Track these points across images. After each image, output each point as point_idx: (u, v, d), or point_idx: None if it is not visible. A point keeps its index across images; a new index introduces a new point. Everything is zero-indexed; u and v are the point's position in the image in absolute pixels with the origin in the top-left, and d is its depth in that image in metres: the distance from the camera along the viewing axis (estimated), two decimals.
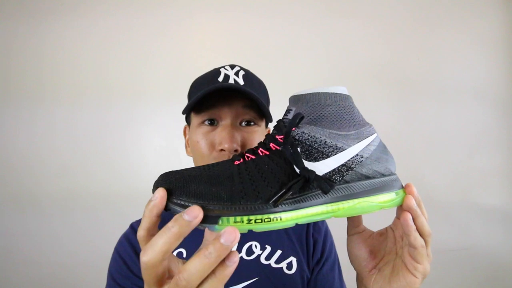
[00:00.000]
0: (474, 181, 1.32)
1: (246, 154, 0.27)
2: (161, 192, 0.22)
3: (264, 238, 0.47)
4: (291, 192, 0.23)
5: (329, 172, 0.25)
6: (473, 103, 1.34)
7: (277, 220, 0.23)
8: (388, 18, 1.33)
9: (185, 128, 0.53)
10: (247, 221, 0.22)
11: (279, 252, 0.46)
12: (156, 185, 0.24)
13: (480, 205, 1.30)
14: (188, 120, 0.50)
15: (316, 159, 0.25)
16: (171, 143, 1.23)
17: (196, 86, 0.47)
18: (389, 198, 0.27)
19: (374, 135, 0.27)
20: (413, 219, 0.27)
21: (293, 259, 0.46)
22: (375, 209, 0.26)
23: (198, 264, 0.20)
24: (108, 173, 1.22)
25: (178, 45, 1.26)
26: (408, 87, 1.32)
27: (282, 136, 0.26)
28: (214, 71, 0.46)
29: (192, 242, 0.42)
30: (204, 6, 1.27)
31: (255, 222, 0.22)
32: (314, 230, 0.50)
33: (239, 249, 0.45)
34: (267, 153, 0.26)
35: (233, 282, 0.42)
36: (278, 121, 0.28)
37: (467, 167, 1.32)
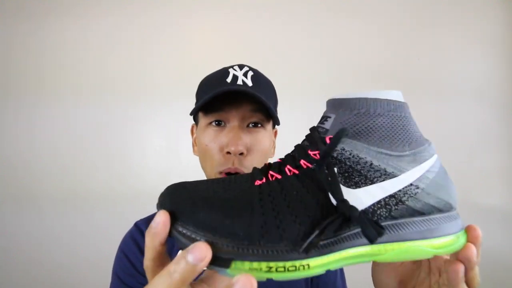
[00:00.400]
0: (474, 181, 1.30)
1: (270, 172, 0.21)
2: (163, 218, 0.18)
3: None
4: (324, 234, 0.17)
5: (373, 204, 0.19)
6: (473, 103, 1.33)
7: (303, 268, 0.18)
8: (388, 18, 1.33)
9: (192, 127, 0.52)
10: (266, 269, 0.17)
11: None
12: (161, 202, 0.19)
13: (480, 205, 1.28)
14: (196, 119, 0.49)
15: (356, 185, 0.19)
16: (171, 143, 1.24)
17: (204, 86, 0.47)
18: (446, 242, 0.20)
19: (434, 157, 0.21)
20: (466, 271, 0.21)
21: None
22: (428, 255, 0.20)
23: None
24: (108, 173, 1.22)
25: (179, 45, 1.26)
26: (408, 87, 1.30)
27: (315, 152, 0.20)
28: (223, 71, 0.45)
29: None
30: (205, 5, 1.28)
31: (276, 270, 0.17)
32: None
33: None
34: (296, 172, 0.20)
35: None
36: (312, 130, 0.22)
37: (467, 167, 1.30)
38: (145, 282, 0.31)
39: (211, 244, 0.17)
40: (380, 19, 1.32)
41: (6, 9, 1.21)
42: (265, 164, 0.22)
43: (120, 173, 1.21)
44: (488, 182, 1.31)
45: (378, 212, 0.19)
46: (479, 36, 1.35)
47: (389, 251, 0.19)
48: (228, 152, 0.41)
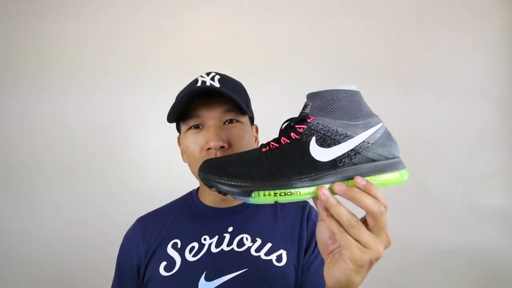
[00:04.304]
0: (475, 181, 1.31)
1: (271, 143, 0.33)
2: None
3: (255, 231, 0.50)
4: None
5: (340, 155, 0.30)
6: (474, 103, 1.33)
7: (297, 193, 0.29)
8: (388, 18, 1.34)
9: (178, 137, 0.56)
10: (273, 194, 0.29)
11: (269, 245, 0.48)
12: (202, 169, 0.31)
13: (481, 206, 1.28)
14: (178, 129, 0.54)
15: (329, 145, 0.30)
16: (171, 143, 1.23)
17: (177, 96, 0.51)
18: (392, 177, 0.31)
19: (380, 124, 0.32)
20: (329, 208, 0.28)
21: (283, 252, 0.48)
22: (379, 186, 0.30)
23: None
24: (108, 173, 1.22)
25: (179, 45, 1.28)
26: (409, 87, 1.32)
27: (300, 126, 0.32)
28: (193, 81, 0.50)
29: (186, 232, 0.50)
30: (205, 5, 1.29)
31: (280, 195, 0.29)
32: (307, 225, 0.53)
33: (231, 241, 0.48)
34: (288, 141, 0.32)
35: (223, 273, 0.45)
36: (300, 114, 0.34)
37: (468, 167, 1.31)
38: (142, 274, 0.44)
39: (238, 184, 0.29)
40: (380, 19, 1.33)
41: None
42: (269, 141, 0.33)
43: (120, 173, 1.21)
44: (489, 182, 1.30)
45: (343, 160, 0.30)
46: (479, 36, 1.34)
47: (351, 182, 0.30)
48: (209, 149, 0.45)
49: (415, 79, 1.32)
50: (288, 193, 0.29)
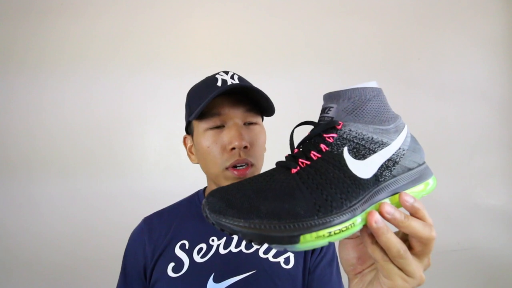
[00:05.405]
0: (475, 181, 1.33)
1: (300, 160, 0.26)
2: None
3: None
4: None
5: (379, 168, 0.25)
6: (474, 103, 1.35)
7: (352, 226, 0.23)
8: (389, 18, 1.36)
9: (185, 138, 0.53)
10: (327, 234, 0.22)
11: None
12: (211, 208, 0.22)
13: (481, 206, 1.31)
14: (188, 129, 0.51)
15: (364, 157, 0.25)
16: (171, 143, 1.23)
17: (196, 94, 0.48)
18: (425, 187, 0.28)
19: (406, 126, 0.28)
20: (377, 237, 0.24)
21: (290, 255, 0.48)
22: (418, 197, 0.27)
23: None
24: (108, 173, 1.22)
25: (180, 45, 1.29)
26: (409, 88, 1.34)
27: (330, 135, 0.26)
28: (210, 78, 0.48)
29: (193, 233, 0.49)
30: (207, 5, 1.31)
31: (334, 233, 0.22)
32: None
33: (239, 243, 0.48)
34: (319, 156, 0.26)
35: (232, 274, 0.45)
36: (321, 119, 0.28)
37: (468, 167, 1.33)
38: (148, 274, 0.37)
39: (278, 227, 0.21)
40: (380, 19, 1.34)
41: None
42: (288, 156, 0.27)
43: (121, 172, 1.22)
44: (489, 182, 1.32)
45: (384, 173, 0.26)
46: (479, 37, 1.36)
47: (397, 201, 0.26)
48: (233, 148, 0.44)
49: (415, 79, 1.34)
50: (343, 229, 0.22)
